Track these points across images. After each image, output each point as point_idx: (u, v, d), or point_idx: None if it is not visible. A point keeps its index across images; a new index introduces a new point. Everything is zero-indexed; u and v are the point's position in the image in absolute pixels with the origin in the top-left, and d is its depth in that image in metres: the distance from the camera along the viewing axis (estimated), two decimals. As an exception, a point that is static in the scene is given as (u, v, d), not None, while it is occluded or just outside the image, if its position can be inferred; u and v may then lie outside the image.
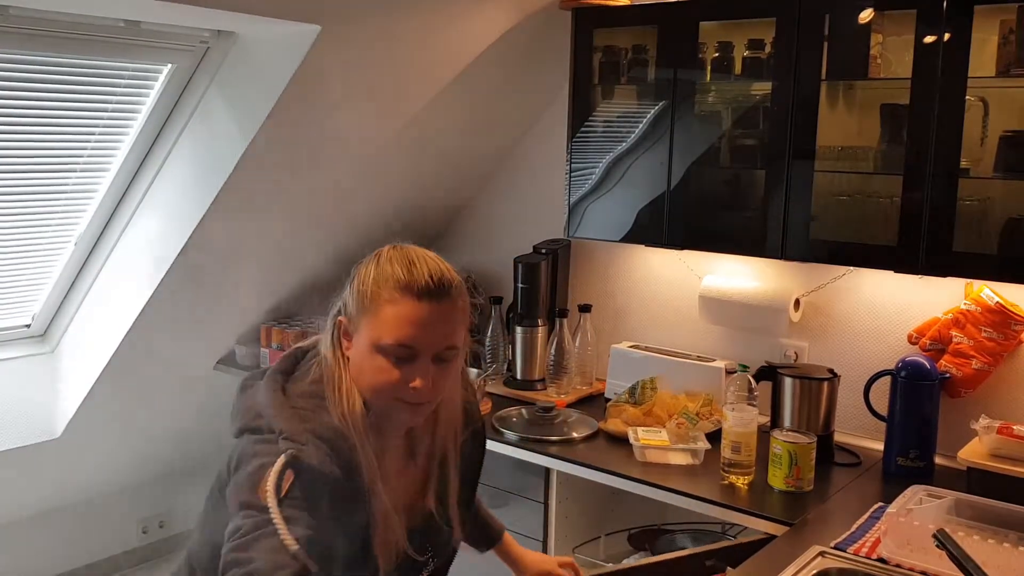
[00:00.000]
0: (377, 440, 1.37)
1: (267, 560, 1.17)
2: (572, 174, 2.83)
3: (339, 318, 1.37)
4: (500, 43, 2.82)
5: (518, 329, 2.99)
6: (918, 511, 1.88)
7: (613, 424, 2.57)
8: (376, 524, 1.33)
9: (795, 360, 2.69)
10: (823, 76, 2.35)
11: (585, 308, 2.98)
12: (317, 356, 1.41)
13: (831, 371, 2.45)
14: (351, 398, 1.33)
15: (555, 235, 3.06)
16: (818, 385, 2.41)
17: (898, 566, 1.71)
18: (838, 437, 2.47)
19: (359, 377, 1.34)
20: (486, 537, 1.80)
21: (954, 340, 2.38)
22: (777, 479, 2.19)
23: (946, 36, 2.13)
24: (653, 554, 2.31)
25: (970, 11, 2.10)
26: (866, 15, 2.28)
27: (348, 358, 1.36)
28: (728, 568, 1.84)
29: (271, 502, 1.21)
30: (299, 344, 1.47)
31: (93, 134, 2.66)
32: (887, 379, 2.35)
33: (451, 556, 1.55)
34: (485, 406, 2.77)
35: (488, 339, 3.09)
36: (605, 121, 2.79)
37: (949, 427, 2.35)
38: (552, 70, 3.03)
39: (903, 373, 2.31)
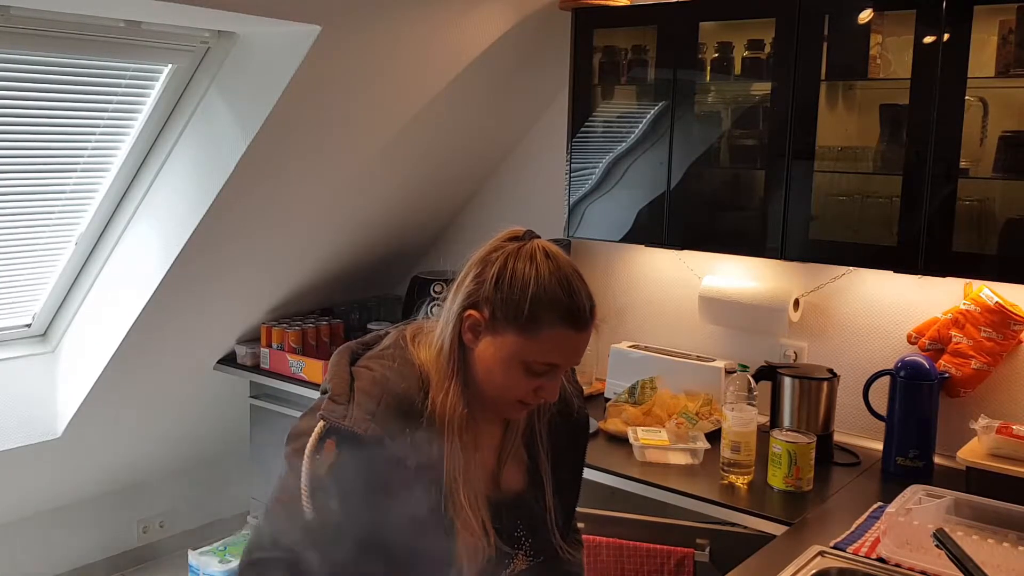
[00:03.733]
0: (475, 425, 1.36)
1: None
2: (572, 174, 2.84)
3: (470, 311, 1.32)
4: (500, 43, 2.82)
5: (518, 329, 2.98)
6: (917, 511, 1.88)
7: (613, 424, 2.57)
8: (458, 508, 1.30)
9: (794, 360, 2.69)
10: (822, 76, 2.35)
11: (585, 308, 2.98)
12: (401, 341, 1.38)
13: (830, 371, 2.45)
14: (454, 399, 1.31)
15: (555, 235, 3.05)
16: (817, 385, 2.41)
17: (897, 566, 1.71)
18: (837, 437, 2.47)
19: (486, 376, 1.33)
20: None
21: (953, 340, 2.38)
22: (777, 479, 2.19)
23: (945, 36, 2.13)
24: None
25: (970, 11, 2.10)
26: (865, 15, 2.28)
27: (469, 350, 1.33)
28: (698, 550, 1.92)
29: (304, 471, 1.24)
30: (399, 326, 1.44)
31: (94, 134, 2.66)
32: (886, 379, 2.35)
33: (550, 544, 1.45)
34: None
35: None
36: (605, 121, 2.79)
37: (948, 427, 2.35)
38: (552, 70, 3.03)
39: (902, 373, 2.31)
